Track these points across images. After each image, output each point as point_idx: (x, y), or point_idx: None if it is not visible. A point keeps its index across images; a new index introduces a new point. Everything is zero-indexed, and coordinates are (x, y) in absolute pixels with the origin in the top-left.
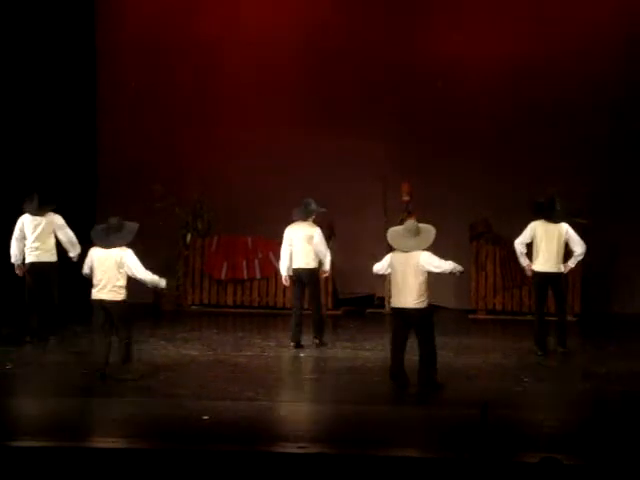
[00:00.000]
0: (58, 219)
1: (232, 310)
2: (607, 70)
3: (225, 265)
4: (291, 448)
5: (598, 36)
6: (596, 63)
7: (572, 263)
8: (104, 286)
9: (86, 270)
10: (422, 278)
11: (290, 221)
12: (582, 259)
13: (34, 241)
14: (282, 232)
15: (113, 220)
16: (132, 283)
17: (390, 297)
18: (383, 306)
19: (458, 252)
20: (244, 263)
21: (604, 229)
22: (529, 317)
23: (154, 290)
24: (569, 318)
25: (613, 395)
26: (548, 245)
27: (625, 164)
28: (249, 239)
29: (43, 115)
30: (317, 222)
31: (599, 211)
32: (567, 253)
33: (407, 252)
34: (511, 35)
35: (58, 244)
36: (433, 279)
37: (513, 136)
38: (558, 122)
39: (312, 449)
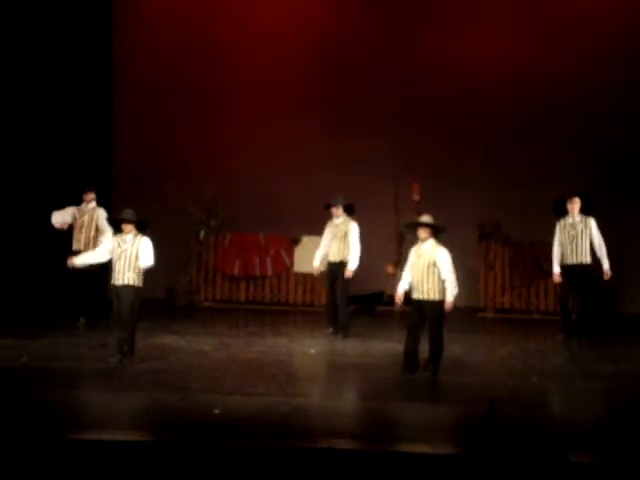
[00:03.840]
0: (102, 212)
1: (244, 306)
2: (614, 68)
3: (238, 262)
4: (301, 442)
5: (604, 36)
6: (603, 61)
7: (605, 265)
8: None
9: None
10: None
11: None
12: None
13: (78, 231)
14: (294, 230)
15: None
16: (143, 280)
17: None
18: (392, 303)
19: (467, 251)
20: (256, 260)
21: (611, 228)
22: (537, 316)
23: (167, 287)
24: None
25: (620, 394)
26: (570, 238)
27: (637, 161)
28: (261, 236)
29: (61, 114)
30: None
31: (606, 211)
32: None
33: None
34: (520, 36)
35: None
36: None
37: (524, 136)
38: (568, 121)
39: (322, 444)
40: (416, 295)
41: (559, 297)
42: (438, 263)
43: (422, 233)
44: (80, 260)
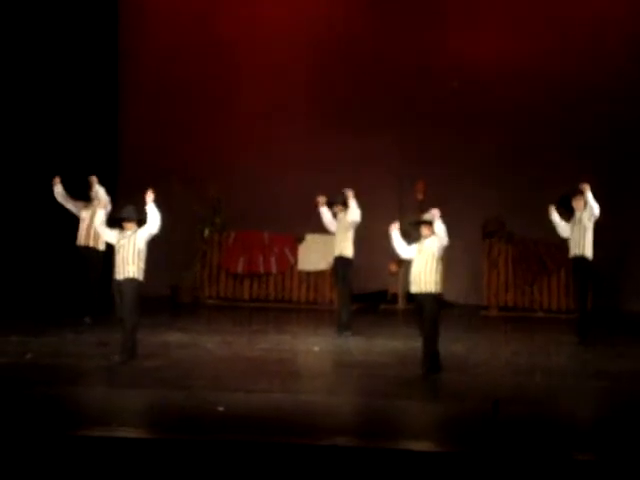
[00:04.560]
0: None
1: (248, 304)
2: (615, 68)
3: (242, 260)
4: (305, 440)
5: (605, 36)
6: (605, 60)
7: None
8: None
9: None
10: None
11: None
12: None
13: (82, 226)
14: (297, 228)
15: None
16: (148, 277)
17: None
18: (396, 302)
19: (471, 249)
20: (260, 258)
21: (614, 227)
22: (540, 314)
23: (172, 284)
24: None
25: (624, 392)
26: (573, 230)
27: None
28: (265, 234)
29: (66, 113)
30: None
31: (610, 208)
32: (596, 243)
33: None
34: (522, 34)
35: None
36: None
37: (527, 134)
38: (571, 120)
39: (325, 441)
40: (414, 289)
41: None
42: (437, 234)
43: (425, 230)
44: (98, 220)
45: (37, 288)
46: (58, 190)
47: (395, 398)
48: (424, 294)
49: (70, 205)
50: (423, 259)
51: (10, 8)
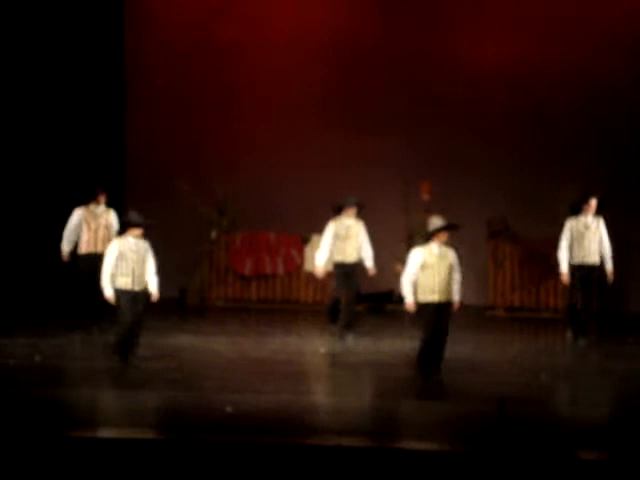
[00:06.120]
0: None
1: (255, 305)
2: (625, 69)
3: (249, 261)
4: (311, 440)
5: (615, 37)
6: (614, 62)
7: (609, 266)
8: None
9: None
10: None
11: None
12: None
13: (93, 233)
14: (304, 229)
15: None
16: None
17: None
18: (402, 302)
19: (476, 249)
20: (267, 259)
21: (621, 228)
22: (546, 314)
23: (179, 286)
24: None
25: (629, 392)
26: (584, 237)
27: None
28: (272, 235)
29: (73, 114)
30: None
31: (616, 209)
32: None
33: None
34: (529, 34)
35: None
36: None
37: (532, 134)
38: (577, 121)
39: (332, 441)
40: (441, 297)
41: (569, 296)
42: (455, 265)
43: (446, 236)
44: (105, 286)
45: (43, 291)
46: (70, 249)
47: (401, 398)
48: (449, 303)
49: (75, 235)
50: (445, 267)
51: (16, 11)
